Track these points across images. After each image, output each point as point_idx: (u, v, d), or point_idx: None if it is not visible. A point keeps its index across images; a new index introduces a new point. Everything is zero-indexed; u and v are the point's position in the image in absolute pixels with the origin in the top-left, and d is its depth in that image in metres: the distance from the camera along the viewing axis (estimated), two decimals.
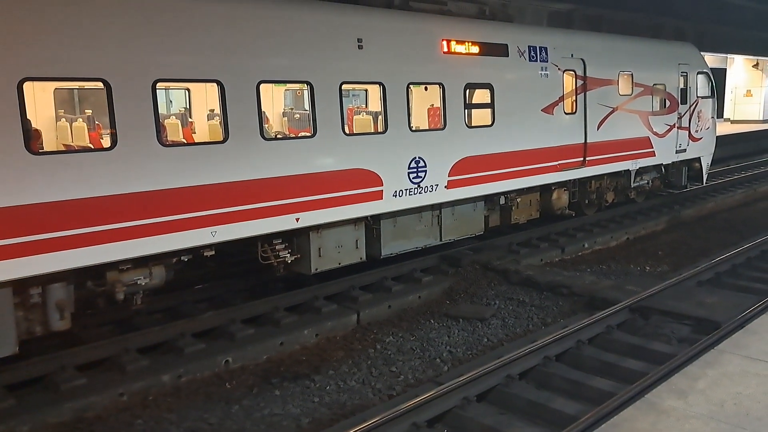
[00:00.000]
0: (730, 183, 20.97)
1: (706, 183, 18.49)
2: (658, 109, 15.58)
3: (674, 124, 16.09)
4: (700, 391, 5.54)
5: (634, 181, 15.62)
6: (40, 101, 8.73)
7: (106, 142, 7.67)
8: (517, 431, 6.32)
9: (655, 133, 15.51)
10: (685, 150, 16.63)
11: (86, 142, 8.46)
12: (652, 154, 15.58)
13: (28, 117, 6.80)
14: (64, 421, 6.81)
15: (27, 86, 6.73)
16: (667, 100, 15.82)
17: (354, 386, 7.72)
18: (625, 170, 15.09)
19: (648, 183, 16.40)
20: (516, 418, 6.61)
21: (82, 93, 9.62)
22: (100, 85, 7.23)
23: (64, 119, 9.13)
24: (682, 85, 16.32)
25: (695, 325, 8.66)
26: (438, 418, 6.59)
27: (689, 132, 16.69)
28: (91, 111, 9.02)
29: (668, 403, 5.35)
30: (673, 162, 16.50)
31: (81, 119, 8.85)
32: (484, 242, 12.97)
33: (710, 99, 17.59)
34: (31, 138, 6.88)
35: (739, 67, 40.07)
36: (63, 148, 8.62)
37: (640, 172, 15.72)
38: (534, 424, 6.51)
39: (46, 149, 7.86)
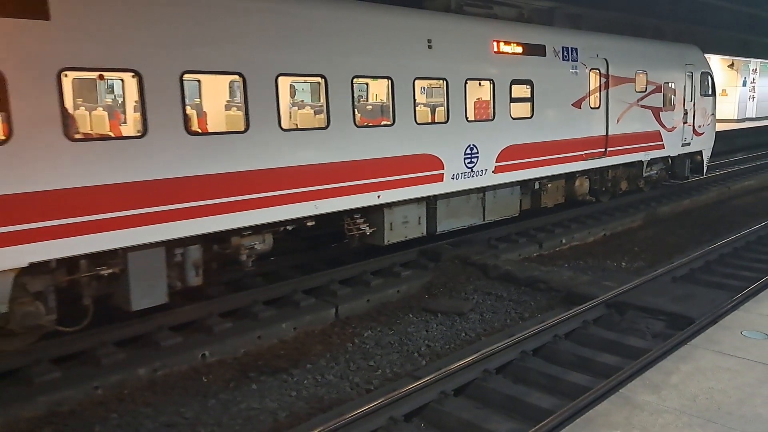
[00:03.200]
0: (705, 181, 21.28)
1: (705, 174, 20.08)
2: (668, 105, 17.08)
3: (681, 120, 17.61)
4: (674, 386, 5.62)
5: (645, 171, 16.98)
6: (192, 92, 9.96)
7: (240, 126, 8.78)
8: (493, 425, 6.36)
9: (665, 128, 17.02)
10: (689, 143, 18.13)
11: (224, 127, 9.66)
12: (662, 146, 17.08)
13: (186, 104, 8.15)
14: (37, 415, 6.71)
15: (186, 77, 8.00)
16: (675, 98, 17.34)
17: (332, 380, 7.72)
18: (638, 161, 16.47)
19: (656, 173, 17.68)
20: (493, 412, 6.66)
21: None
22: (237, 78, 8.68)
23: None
24: (688, 84, 17.83)
25: (669, 321, 8.79)
26: (415, 412, 6.62)
27: (693, 127, 18.23)
28: (230, 99, 10.47)
29: (642, 397, 5.42)
30: (678, 154, 17.94)
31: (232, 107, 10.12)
32: (464, 237, 13.03)
33: (711, 97, 19.09)
34: (188, 121, 8.14)
35: (715, 67, 40.52)
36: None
37: (650, 163, 17.06)
38: (510, 418, 6.57)
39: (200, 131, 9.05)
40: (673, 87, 17.20)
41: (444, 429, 6.48)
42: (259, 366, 8.07)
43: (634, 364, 7.05)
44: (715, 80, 19.35)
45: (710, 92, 19.01)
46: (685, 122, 17.74)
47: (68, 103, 7.58)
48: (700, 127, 18.56)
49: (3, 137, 6.75)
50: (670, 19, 23.45)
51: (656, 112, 16.59)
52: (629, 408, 5.25)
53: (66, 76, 7.20)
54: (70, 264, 7.44)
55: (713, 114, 19.32)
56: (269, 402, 7.18)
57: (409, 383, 6.86)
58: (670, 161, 17.98)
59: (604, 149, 14.99)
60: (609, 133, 15.04)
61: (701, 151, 18.91)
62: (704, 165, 19.32)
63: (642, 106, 16.08)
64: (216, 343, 8.30)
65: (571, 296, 10.09)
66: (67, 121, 7.19)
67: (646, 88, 16.16)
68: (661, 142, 16.97)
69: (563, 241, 13.91)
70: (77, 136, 7.46)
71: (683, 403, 5.32)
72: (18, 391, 6.96)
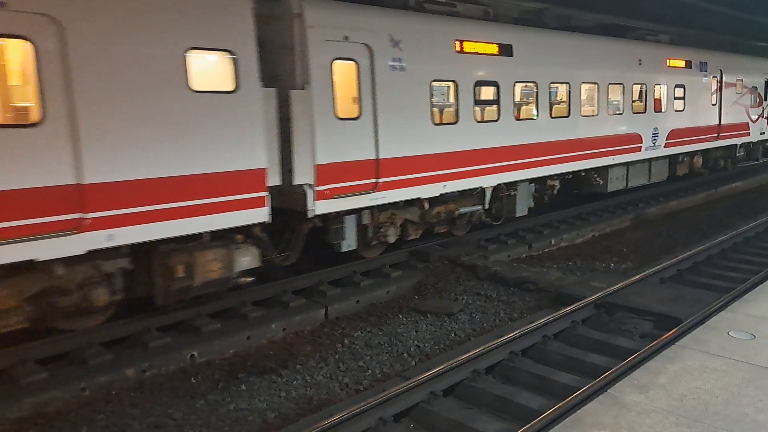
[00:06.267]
0: (693, 183, 21.42)
1: None
2: (754, 103, 23.18)
3: (760, 115, 23.77)
4: (661, 386, 5.65)
5: (737, 153, 23.05)
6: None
7: (565, 113, 14.47)
8: (482, 425, 6.37)
9: (751, 120, 23.15)
10: (764, 133, 24.40)
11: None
12: (749, 134, 23.29)
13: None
14: (23, 416, 6.65)
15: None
16: (758, 98, 23.50)
17: (321, 381, 7.71)
18: (733, 144, 22.52)
19: (742, 155, 23.51)
20: (482, 412, 6.67)
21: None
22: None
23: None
24: (766, 88, 24.00)
25: (657, 321, 8.84)
26: (405, 412, 6.62)
27: (767, 120, 24.51)
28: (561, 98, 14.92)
29: (630, 397, 5.45)
30: (757, 141, 24.08)
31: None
32: (453, 238, 13.05)
33: None
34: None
35: None
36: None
37: (740, 146, 23.03)
38: (499, 418, 6.58)
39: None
40: (757, 90, 23.33)
41: (433, 429, 6.48)
42: (248, 367, 8.04)
43: (622, 364, 7.08)
44: None
45: None
46: (762, 117, 23.88)
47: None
48: None
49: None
50: (659, 21, 23.61)
51: (747, 108, 22.77)
52: (617, 408, 5.27)
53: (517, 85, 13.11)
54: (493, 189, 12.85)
55: None
56: (258, 403, 7.15)
57: (398, 384, 6.86)
58: (751, 146, 23.96)
59: (717, 134, 20.92)
60: (721, 123, 20.98)
61: None
62: None
63: (739, 104, 22.16)
64: (205, 344, 8.25)
65: (560, 297, 10.13)
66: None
67: (742, 90, 22.23)
68: (748, 131, 23.08)
69: (552, 242, 13.97)
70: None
71: (671, 403, 5.35)
72: (3, 391, 6.88)
